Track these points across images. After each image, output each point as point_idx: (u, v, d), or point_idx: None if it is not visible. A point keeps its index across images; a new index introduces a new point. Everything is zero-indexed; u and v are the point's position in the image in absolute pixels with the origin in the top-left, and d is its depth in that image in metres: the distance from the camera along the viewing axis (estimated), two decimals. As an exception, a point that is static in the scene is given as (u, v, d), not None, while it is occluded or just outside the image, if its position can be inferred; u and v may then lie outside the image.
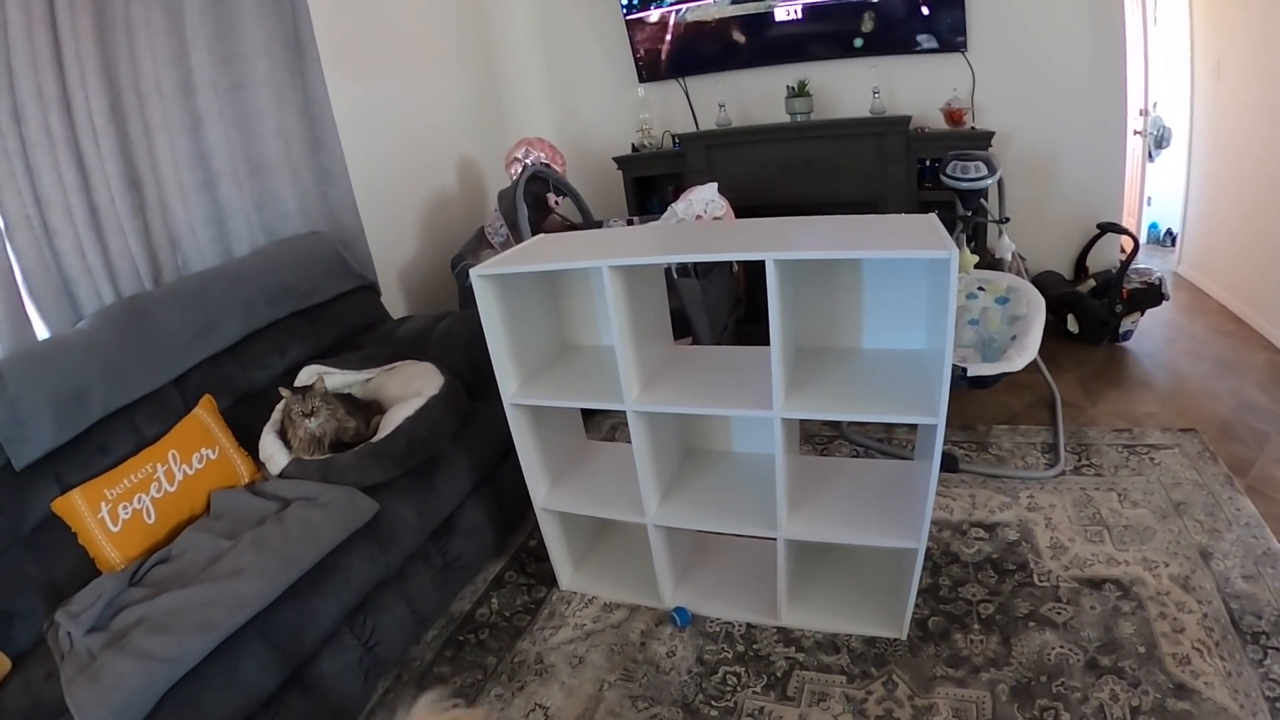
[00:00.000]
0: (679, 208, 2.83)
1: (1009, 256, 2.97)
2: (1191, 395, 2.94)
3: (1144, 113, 4.79)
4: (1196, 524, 2.11)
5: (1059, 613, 1.84)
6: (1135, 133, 4.69)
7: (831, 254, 1.38)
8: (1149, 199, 5.09)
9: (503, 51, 4.39)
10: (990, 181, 2.85)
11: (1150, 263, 4.37)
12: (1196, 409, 2.81)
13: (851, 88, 3.81)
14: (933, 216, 1.55)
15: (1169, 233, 5.02)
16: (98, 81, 2.19)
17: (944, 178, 2.99)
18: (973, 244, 3.09)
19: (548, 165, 3.36)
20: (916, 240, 1.41)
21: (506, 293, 1.64)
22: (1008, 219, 3.11)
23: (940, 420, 1.43)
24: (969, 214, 3.03)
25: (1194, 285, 4.30)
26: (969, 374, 2.19)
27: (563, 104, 4.49)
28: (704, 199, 2.86)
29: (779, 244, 1.45)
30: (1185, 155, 4.47)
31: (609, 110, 4.35)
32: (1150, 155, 4.93)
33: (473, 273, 1.57)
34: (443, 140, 3.89)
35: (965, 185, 2.85)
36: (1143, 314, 3.39)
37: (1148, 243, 5.18)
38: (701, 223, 2.77)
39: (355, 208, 2.96)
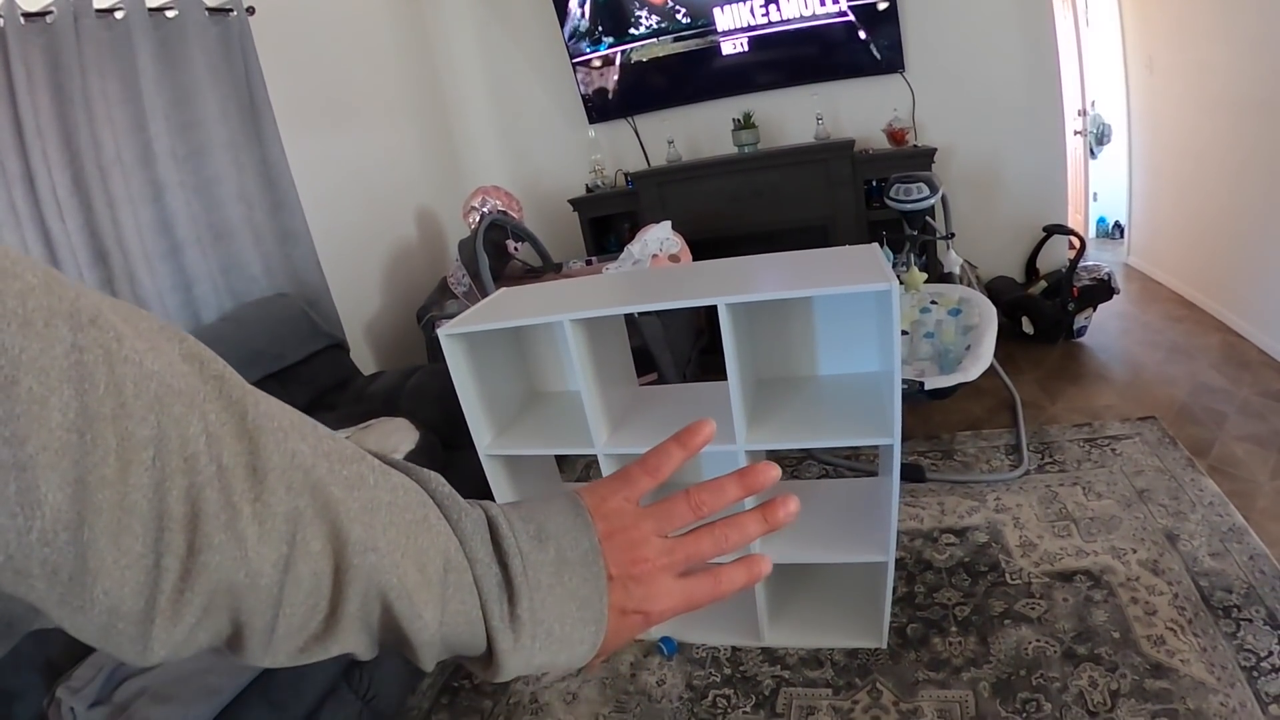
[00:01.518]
0: (635, 249, 2.89)
1: (957, 269, 3.06)
2: (1148, 383, 3.02)
3: (1083, 112, 4.94)
4: (1161, 508, 2.18)
5: (1033, 608, 1.90)
6: (1075, 133, 4.84)
7: (780, 294, 1.45)
8: (1095, 195, 5.23)
9: (454, 102, 4.45)
10: (933, 200, 2.95)
11: (1100, 257, 4.50)
12: (1154, 396, 2.89)
13: (796, 116, 3.89)
14: (875, 247, 1.63)
15: (1117, 225, 5.16)
16: (59, 155, 2.23)
17: (889, 201, 3.07)
18: (923, 260, 3.18)
19: (505, 212, 3.41)
20: (861, 272, 1.48)
21: (474, 348, 1.69)
22: (953, 234, 3.21)
23: (896, 440, 1.50)
24: (915, 233, 3.13)
25: (1145, 275, 4.43)
26: (927, 387, 2.27)
27: (516, 150, 4.54)
28: (659, 238, 2.92)
29: (730, 287, 1.51)
30: (1126, 149, 4.61)
31: (561, 153, 4.40)
32: (1092, 152, 5.08)
33: (439, 332, 1.62)
34: (400, 193, 3.93)
35: (909, 207, 2.94)
36: (1095, 309, 3.48)
37: (1096, 237, 5.33)
38: (657, 264, 2.84)
39: (319, 266, 3.00)
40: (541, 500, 0.41)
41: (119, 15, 2.40)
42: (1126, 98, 4.48)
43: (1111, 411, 2.82)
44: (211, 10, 2.68)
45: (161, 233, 2.55)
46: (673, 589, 0.40)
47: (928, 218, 3.10)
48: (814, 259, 1.70)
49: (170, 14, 2.56)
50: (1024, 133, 3.73)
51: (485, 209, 3.46)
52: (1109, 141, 5.04)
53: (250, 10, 2.80)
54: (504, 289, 1.90)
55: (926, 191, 2.91)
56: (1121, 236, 4.94)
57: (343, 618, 0.31)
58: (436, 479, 0.37)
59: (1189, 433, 2.58)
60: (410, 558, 0.32)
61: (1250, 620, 1.73)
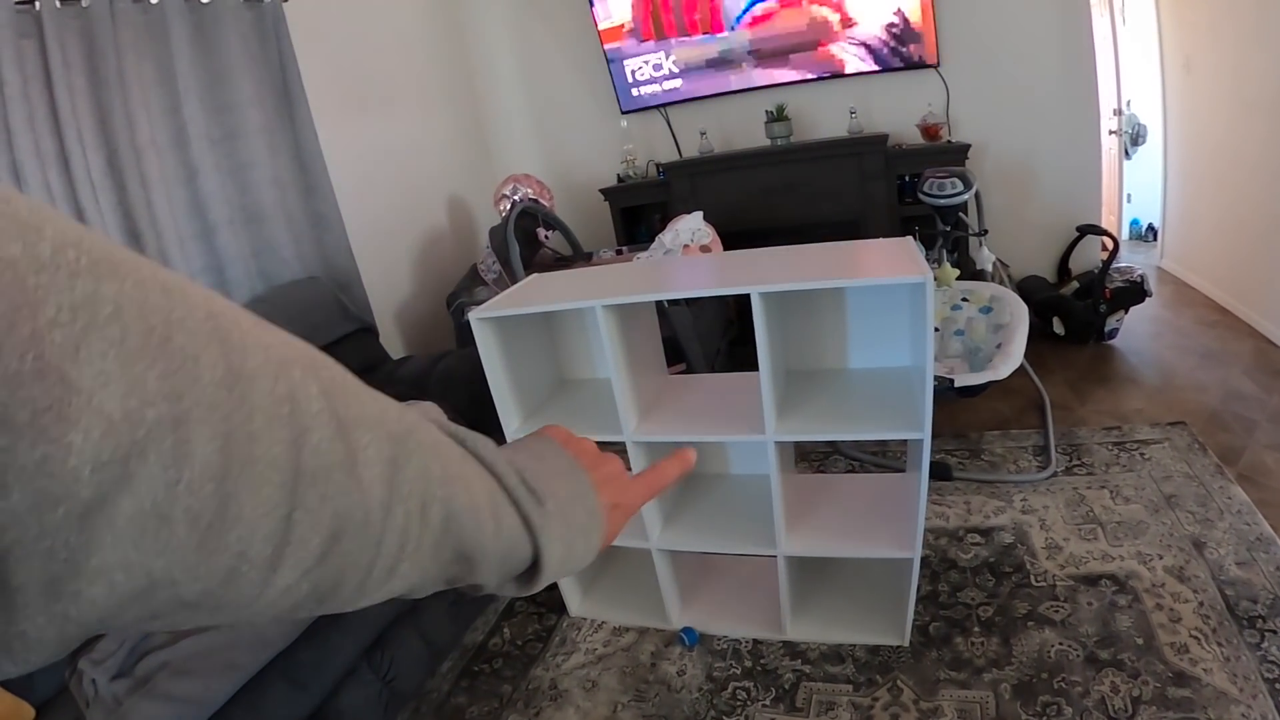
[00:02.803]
0: (666, 238, 2.88)
1: (989, 267, 3.03)
2: (1179, 388, 2.99)
3: (1118, 112, 4.87)
4: (1188, 515, 2.16)
5: (1057, 611, 1.88)
6: (1110, 132, 4.77)
7: (814, 284, 1.45)
8: (1129, 196, 5.16)
9: (487, 90, 4.46)
10: (967, 196, 2.92)
11: (1133, 259, 4.44)
12: (1185, 402, 2.86)
13: (829, 109, 3.87)
14: (909, 240, 1.62)
15: (1150, 228, 5.09)
16: (94, 137, 2.26)
17: (922, 195, 3.05)
18: (954, 257, 3.15)
19: (536, 201, 3.42)
20: (894, 264, 1.48)
21: (504, 333, 1.70)
22: (986, 231, 3.18)
23: (926, 435, 1.49)
24: (948, 229, 3.10)
25: (1177, 278, 4.36)
26: (956, 384, 2.25)
27: (548, 139, 4.55)
28: (690, 228, 2.92)
29: (763, 276, 1.51)
30: (1161, 151, 4.54)
31: (593, 143, 4.40)
32: (1127, 153, 5.02)
33: (470, 316, 1.63)
34: (432, 180, 3.95)
35: (943, 202, 2.92)
36: (1127, 312, 3.44)
37: (1130, 239, 5.26)
38: (689, 254, 2.83)
39: (350, 251, 3.03)
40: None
41: (154, 0, 2.43)
42: (1163, 98, 4.42)
43: (1141, 416, 2.79)
44: None
45: (195, 215, 2.58)
46: (635, 484, 0.51)
47: (961, 214, 3.08)
48: (847, 250, 1.69)
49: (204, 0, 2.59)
50: (1059, 131, 3.68)
51: (516, 197, 3.47)
52: (1144, 142, 4.97)
53: (284, -4, 2.83)
54: (535, 275, 1.91)
55: (960, 187, 2.88)
56: (1155, 239, 4.87)
57: (424, 547, 0.33)
58: (435, 409, 0.42)
59: (1219, 440, 2.55)
60: (464, 484, 0.36)
61: (1275, 631, 1.71)
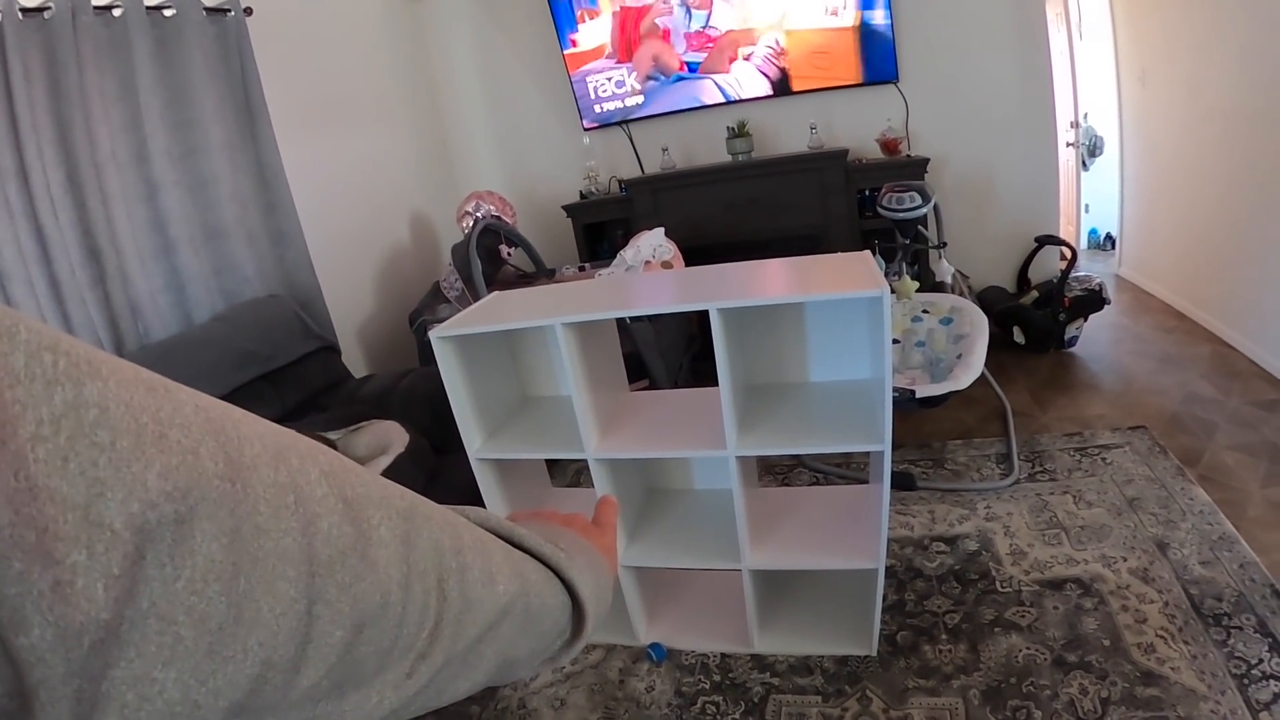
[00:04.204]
0: (628, 254, 2.89)
1: (949, 279, 3.07)
2: (1139, 393, 3.04)
3: (1075, 124, 4.98)
4: (1151, 517, 2.19)
5: (1023, 616, 1.90)
6: (1068, 144, 4.88)
7: (771, 300, 1.46)
8: (1087, 206, 5.27)
9: (451, 106, 4.46)
10: (925, 210, 2.97)
11: (1091, 268, 4.53)
12: (1145, 406, 2.91)
13: (790, 124, 3.91)
14: (867, 254, 1.64)
15: (1108, 237, 5.19)
16: (54, 152, 2.22)
17: (881, 209, 3.09)
18: (915, 269, 3.20)
19: (498, 217, 3.41)
20: (852, 279, 1.49)
21: (465, 351, 1.69)
22: (945, 244, 3.23)
23: (886, 447, 1.50)
24: (908, 242, 3.15)
25: (1136, 286, 4.46)
26: (918, 395, 2.28)
27: (510, 155, 4.54)
28: (652, 244, 2.93)
29: (722, 292, 1.52)
30: (1118, 162, 4.65)
31: (556, 159, 4.39)
32: (1084, 164, 5.12)
33: (432, 335, 1.62)
34: (394, 196, 3.93)
35: (901, 216, 2.96)
36: (1086, 320, 3.51)
37: (1088, 248, 5.36)
38: (650, 270, 2.84)
39: (311, 268, 3.00)
40: None
41: (116, 13, 2.40)
42: (1119, 110, 4.53)
43: (1102, 421, 2.84)
44: (209, 10, 2.68)
45: (155, 231, 2.55)
46: (602, 529, 0.55)
47: (920, 227, 3.12)
48: (806, 265, 1.70)
49: (168, 13, 2.56)
50: (1017, 144, 3.75)
51: (479, 214, 3.46)
52: (1101, 153, 5.07)
53: (248, 11, 2.81)
54: (496, 293, 1.90)
55: (919, 200, 2.92)
56: (1113, 248, 4.97)
57: (444, 623, 0.32)
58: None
59: (1179, 442, 2.60)
60: (479, 552, 0.36)
61: (1240, 628, 1.74)
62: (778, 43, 3.74)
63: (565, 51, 4.00)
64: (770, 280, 1.64)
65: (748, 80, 3.87)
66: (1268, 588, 1.85)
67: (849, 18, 3.59)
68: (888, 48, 3.62)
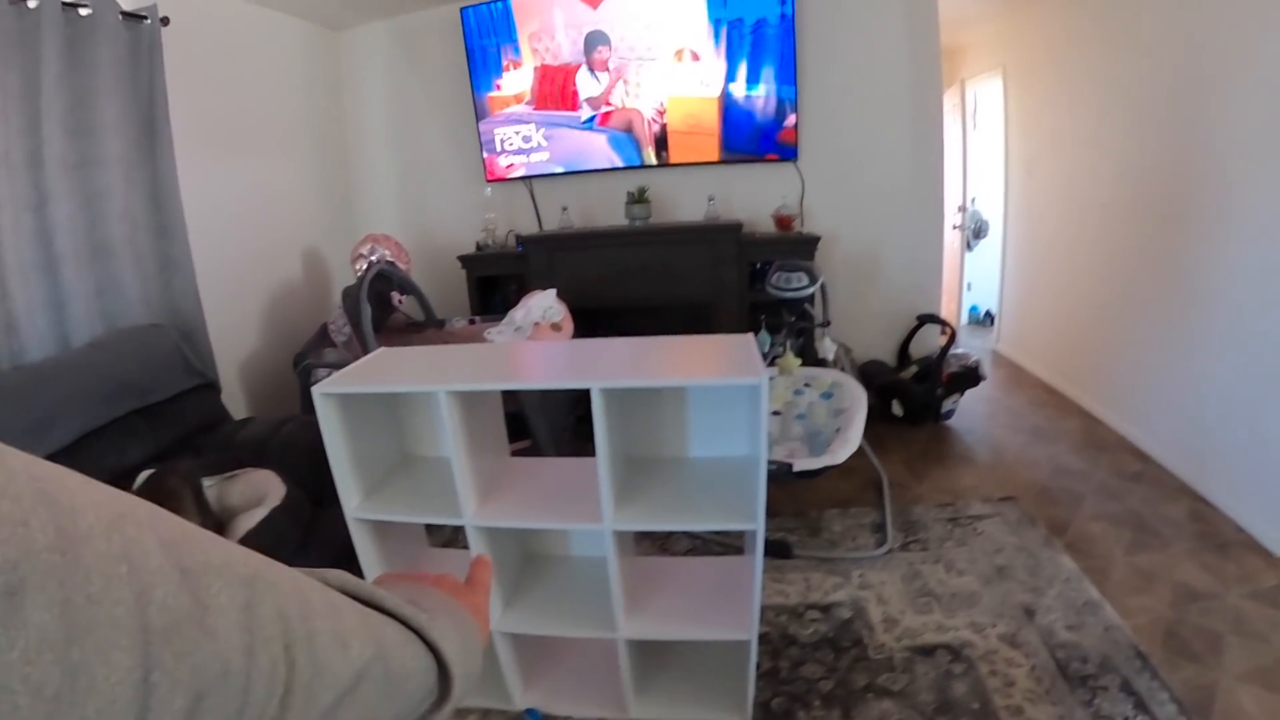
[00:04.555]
0: (518, 315, 2.90)
1: (831, 356, 3.20)
2: (1011, 465, 3.22)
3: (963, 208, 5.32)
4: (1019, 584, 2.31)
5: (895, 682, 1.97)
6: (954, 227, 5.20)
7: (654, 382, 1.49)
8: (969, 284, 5.60)
9: (356, 144, 4.39)
10: (812, 290, 3.08)
11: (970, 343, 4.80)
12: (1016, 477, 3.08)
13: (689, 193, 3.98)
14: (750, 338, 1.70)
15: (988, 314, 5.53)
16: (-60, 149, 2.08)
17: (770, 288, 3.19)
18: (799, 344, 3.30)
19: (393, 263, 3.35)
20: (734, 364, 1.54)
21: (347, 407, 1.66)
22: (829, 322, 3.35)
23: (759, 526, 1.55)
24: (794, 319, 3.26)
25: (1012, 361, 4.75)
26: (795, 469, 2.36)
27: (411, 199, 4.48)
28: (542, 305, 2.94)
29: (606, 370, 1.55)
30: (1001, 244, 4.97)
31: (456, 207, 4.35)
32: (969, 245, 5.46)
33: (314, 390, 1.59)
34: (290, 231, 3.82)
35: (789, 295, 3.08)
36: (962, 394, 3.70)
37: (968, 323, 5.68)
38: (539, 332, 2.85)
39: (197, 297, 2.89)
40: None
41: (31, 4, 2.28)
42: (1005, 196, 4.85)
43: (975, 492, 2.97)
44: (126, 14, 2.58)
45: (40, 244, 2.40)
46: (474, 588, 0.57)
47: (806, 305, 3.24)
48: (689, 346, 1.75)
49: (84, 11, 2.45)
50: (906, 225, 3.91)
51: (374, 257, 3.39)
52: (985, 236, 5.42)
53: (165, 21, 2.72)
54: (383, 349, 1.88)
55: (806, 281, 3.05)
56: (992, 324, 5.29)
57: (295, 690, 0.32)
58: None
59: (1048, 512, 2.75)
60: (331, 617, 0.36)
61: (1106, 688, 1.85)
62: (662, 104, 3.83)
63: (488, 94, 4.00)
64: (654, 360, 1.68)
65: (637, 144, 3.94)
66: (1131, 649, 1.97)
67: (715, 89, 3.71)
68: (769, 125, 3.72)
